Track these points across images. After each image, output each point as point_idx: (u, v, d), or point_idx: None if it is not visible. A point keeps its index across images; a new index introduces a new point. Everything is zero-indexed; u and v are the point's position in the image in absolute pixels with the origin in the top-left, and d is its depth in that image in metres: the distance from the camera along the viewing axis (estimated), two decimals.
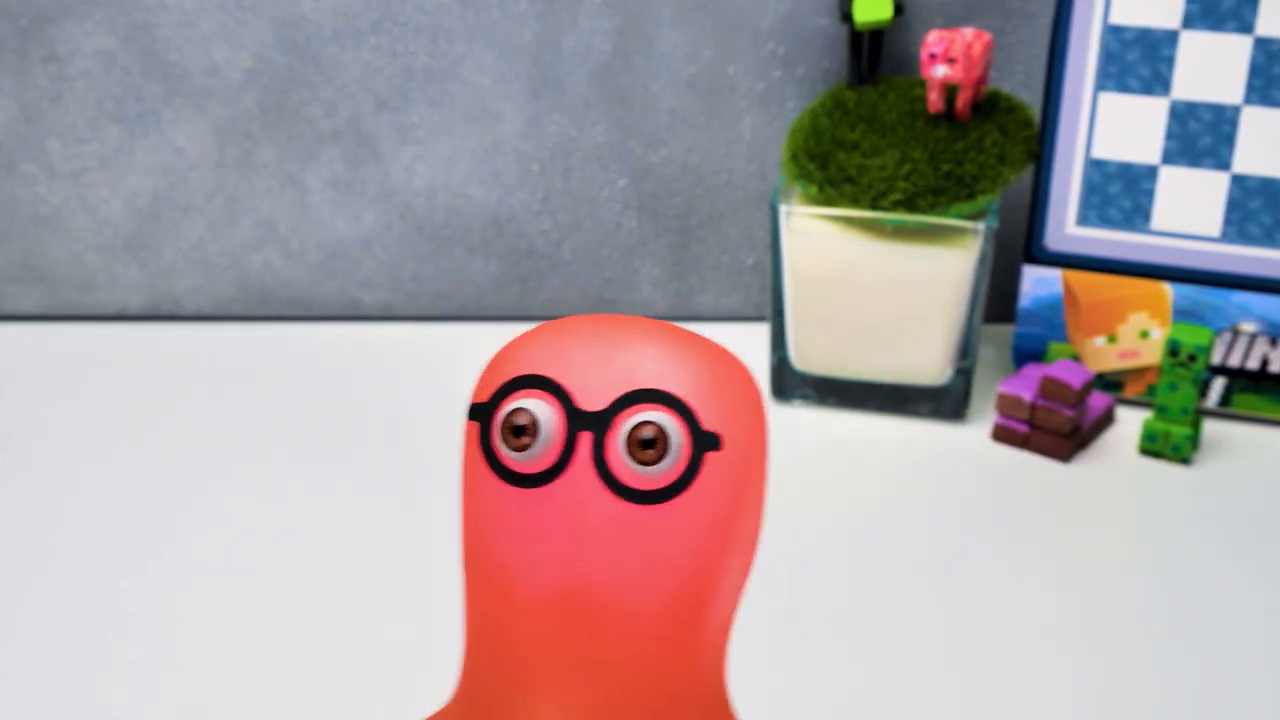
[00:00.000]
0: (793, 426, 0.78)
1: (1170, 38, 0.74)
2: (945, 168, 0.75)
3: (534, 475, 0.39)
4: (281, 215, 0.85)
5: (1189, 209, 0.76)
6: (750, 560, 0.41)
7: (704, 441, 0.38)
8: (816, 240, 0.76)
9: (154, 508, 0.70)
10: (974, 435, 0.78)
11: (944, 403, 0.78)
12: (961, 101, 0.76)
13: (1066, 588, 0.65)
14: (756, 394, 0.41)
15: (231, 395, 0.80)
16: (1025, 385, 0.76)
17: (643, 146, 0.84)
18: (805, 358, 0.79)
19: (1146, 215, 0.77)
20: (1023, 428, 0.76)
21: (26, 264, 0.85)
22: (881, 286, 0.76)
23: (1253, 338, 0.77)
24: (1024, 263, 0.79)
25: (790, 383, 0.80)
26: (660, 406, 0.38)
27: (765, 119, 0.84)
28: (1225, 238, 0.76)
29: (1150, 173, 0.76)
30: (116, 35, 0.80)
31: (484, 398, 0.39)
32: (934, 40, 0.74)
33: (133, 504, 0.70)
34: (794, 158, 0.77)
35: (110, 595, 0.64)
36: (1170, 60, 0.74)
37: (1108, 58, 0.75)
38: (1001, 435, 0.77)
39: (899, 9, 0.78)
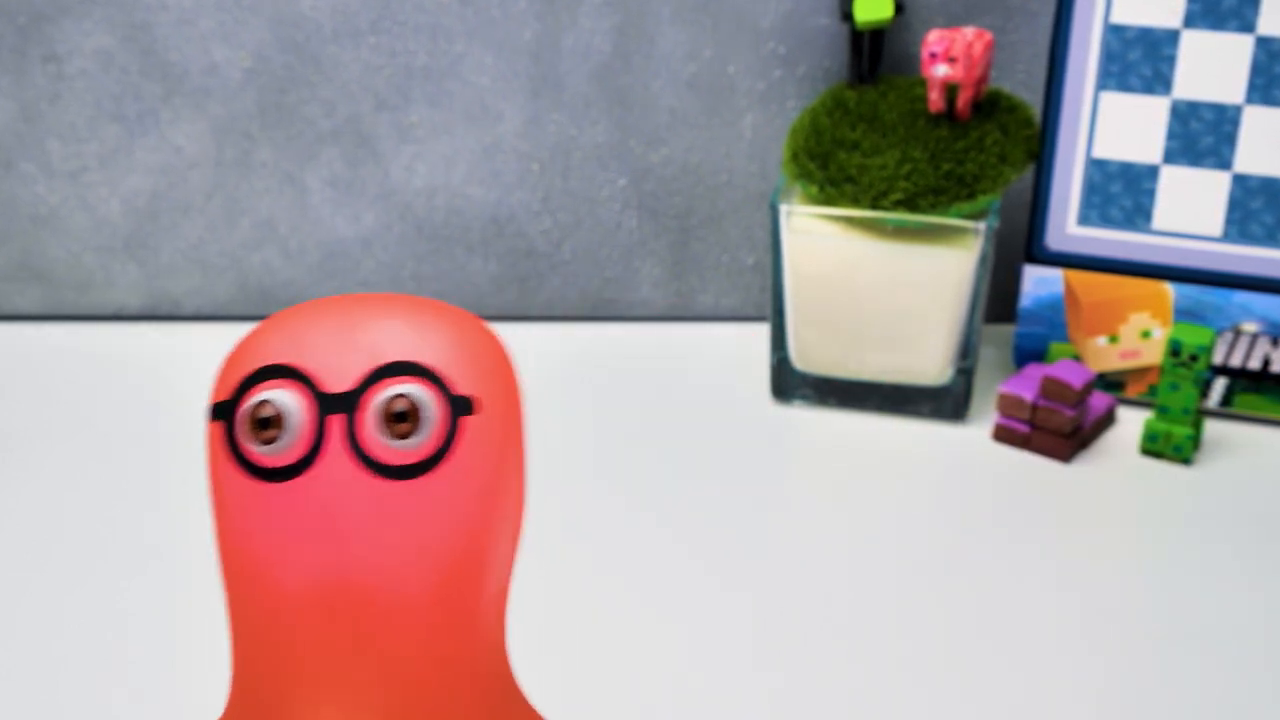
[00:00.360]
0: (793, 427, 0.78)
1: (1171, 37, 0.73)
2: (946, 167, 0.74)
3: (286, 468, 0.37)
4: (281, 215, 0.85)
5: (1190, 209, 0.76)
6: (519, 526, 0.40)
7: (459, 407, 0.37)
8: (817, 240, 0.75)
9: (153, 508, 0.70)
10: (975, 435, 0.77)
11: (945, 403, 0.78)
12: (962, 101, 0.76)
13: (1067, 588, 0.65)
14: (505, 355, 0.39)
15: None
16: (1026, 385, 0.76)
17: (643, 146, 0.84)
18: (806, 358, 0.79)
19: (1148, 215, 0.76)
20: (1024, 428, 0.75)
21: (25, 264, 0.85)
22: (882, 286, 0.76)
23: (1254, 338, 0.77)
24: (1025, 262, 0.79)
25: (790, 383, 0.80)
26: (410, 378, 0.37)
27: (766, 118, 0.84)
28: (1227, 237, 0.76)
29: (1151, 172, 0.76)
30: (115, 34, 0.80)
31: (225, 395, 0.38)
32: (935, 39, 0.74)
33: (131, 504, 0.70)
34: (794, 157, 0.77)
35: (109, 595, 0.63)
36: (1171, 59, 0.74)
37: (1109, 57, 0.75)
38: (1002, 435, 0.76)
39: (899, 8, 0.78)
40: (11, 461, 0.73)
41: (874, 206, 0.75)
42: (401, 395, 0.37)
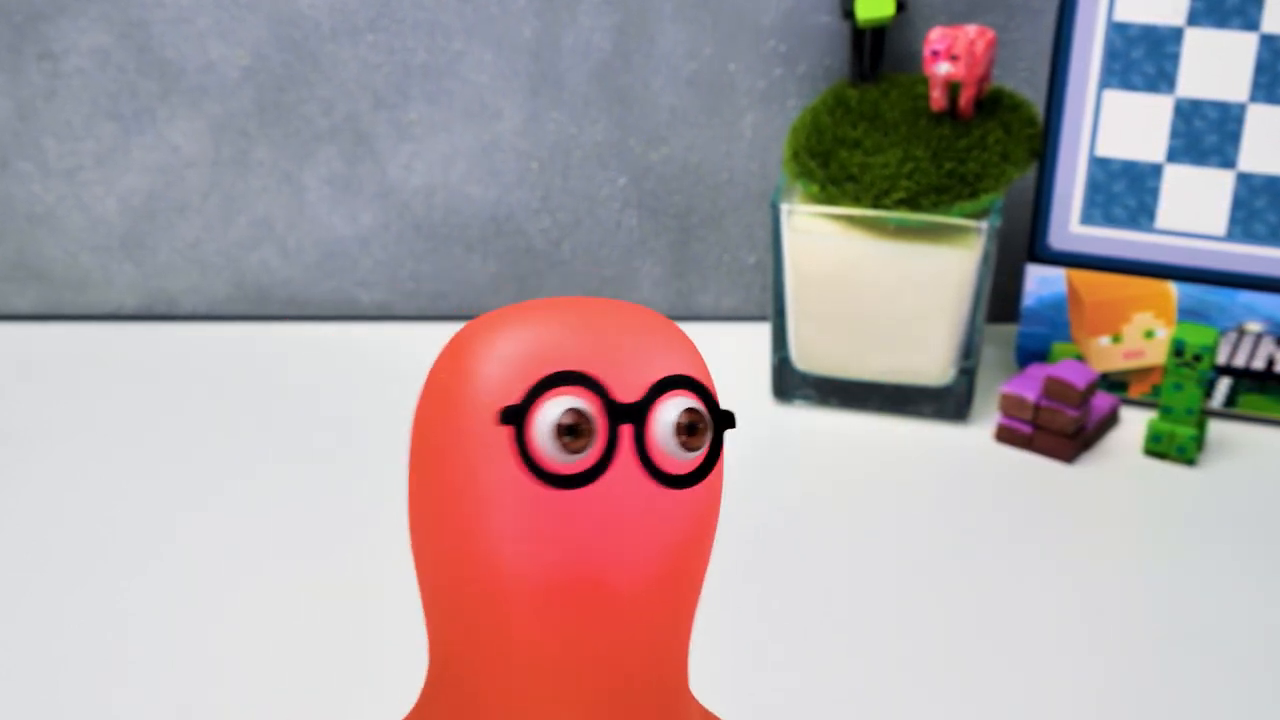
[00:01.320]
0: (794, 427, 0.78)
1: (1175, 35, 0.73)
2: (948, 166, 0.74)
3: (580, 475, 0.38)
4: (278, 214, 0.84)
5: (1194, 208, 0.76)
6: None
7: (723, 421, 0.39)
8: (818, 239, 0.75)
9: (151, 508, 0.69)
10: (977, 436, 0.77)
11: (947, 403, 0.78)
12: (964, 99, 0.75)
13: (1070, 589, 0.65)
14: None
15: (228, 396, 0.79)
16: (1029, 385, 0.75)
17: (643, 145, 0.84)
18: (807, 358, 0.79)
19: (1151, 214, 0.76)
20: (1026, 428, 0.75)
21: (21, 263, 0.84)
22: (884, 286, 0.75)
23: (1258, 337, 0.76)
24: (1028, 262, 0.78)
25: (791, 383, 0.79)
26: (687, 391, 0.38)
27: (766, 117, 0.84)
28: (1231, 236, 0.75)
29: (1155, 171, 0.75)
30: (112, 32, 0.80)
31: (516, 399, 0.38)
32: (937, 37, 0.74)
33: (130, 505, 0.70)
34: (795, 156, 0.77)
35: (108, 596, 0.63)
36: (1175, 57, 0.74)
37: (1112, 55, 0.74)
38: (1005, 436, 0.76)
39: (901, 6, 0.77)
40: (9, 462, 0.73)
41: (876, 205, 0.74)
42: (692, 409, 0.38)
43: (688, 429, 0.38)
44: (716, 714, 0.45)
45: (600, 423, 0.38)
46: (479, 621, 0.39)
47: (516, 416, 0.37)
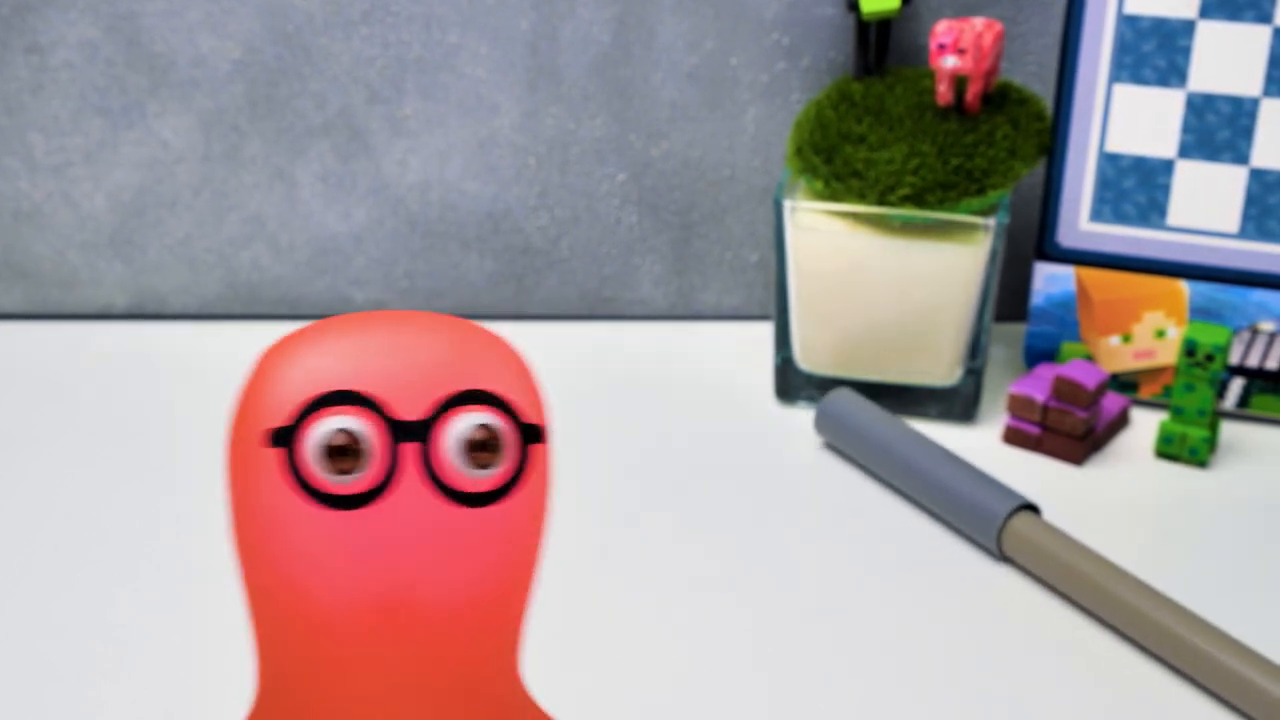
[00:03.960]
0: (797, 429, 0.77)
1: (1187, 28, 0.73)
2: (955, 162, 0.74)
3: (358, 495, 0.37)
4: (270, 210, 0.84)
5: (1206, 204, 0.75)
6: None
7: (530, 435, 0.39)
8: (822, 236, 0.75)
9: (141, 511, 0.69)
10: (984, 437, 0.76)
11: (953, 404, 0.77)
12: (971, 93, 0.75)
13: None
14: (534, 375, 0.41)
15: (219, 396, 0.78)
16: (1037, 386, 0.75)
17: (643, 140, 0.84)
18: (810, 358, 0.78)
19: (1162, 211, 0.76)
20: (1035, 430, 0.75)
21: (7, 261, 0.84)
22: (889, 284, 0.75)
23: (1272, 337, 0.76)
24: (1036, 260, 0.78)
25: (795, 384, 0.79)
26: (483, 406, 0.38)
27: (769, 112, 0.83)
28: (1244, 234, 0.75)
29: (1166, 167, 0.75)
30: (100, 25, 0.79)
31: (284, 420, 0.37)
32: (943, 30, 0.73)
33: (119, 507, 0.69)
34: (799, 151, 0.76)
35: (96, 598, 0.63)
36: (1187, 51, 0.73)
37: (1122, 48, 0.74)
38: (1013, 437, 0.75)
39: None
40: None
41: (881, 202, 0.74)
42: (484, 425, 0.38)
43: (480, 445, 0.37)
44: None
45: (378, 442, 0.37)
46: (295, 640, 0.39)
47: (285, 438, 0.37)
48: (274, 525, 0.38)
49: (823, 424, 0.74)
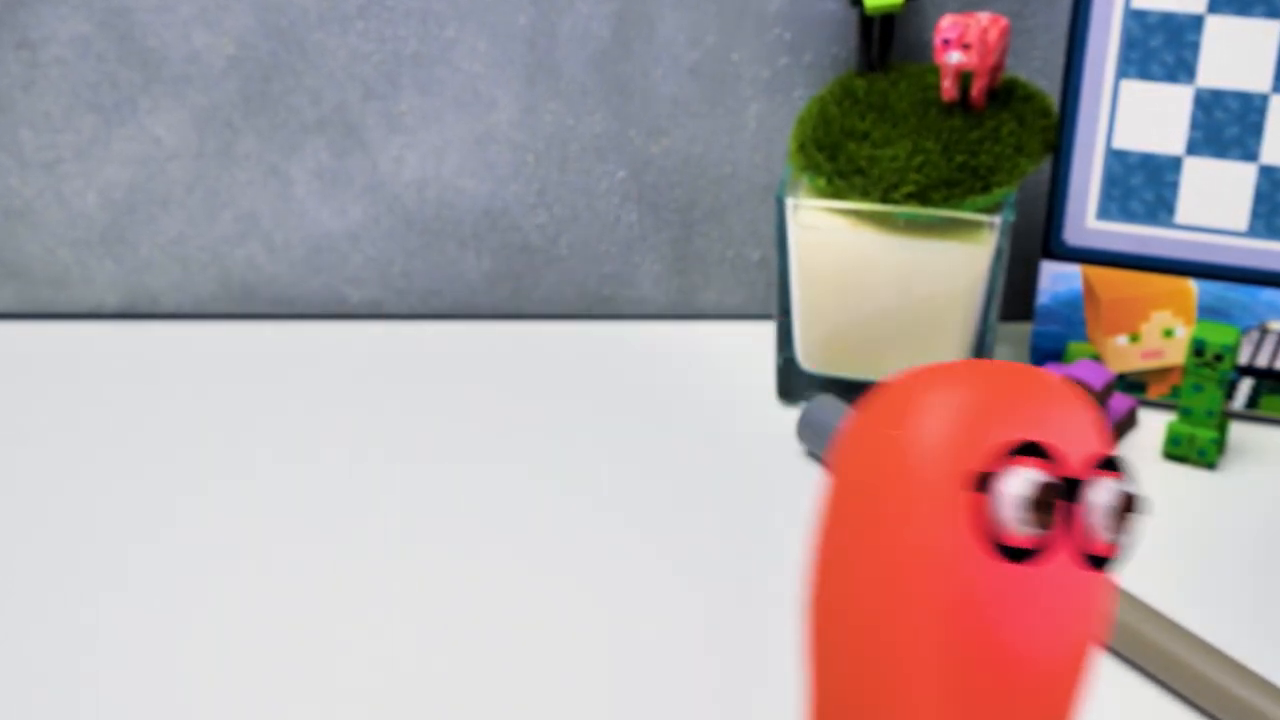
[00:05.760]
0: None
1: (1195, 23, 0.73)
2: (959, 159, 0.73)
3: (1027, 550, 0.37)
4: (264, 208, 0.83)
5: (1215, 202, 0.74)
6: None
7: (1141, 505, 0.39)
8: (825, 235, 0.74)
9: (133, 512, 0.69)
10: None
11: None
12: (977, 89, 0.74)
13: None
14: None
15: (212, 396, 0.79)
16: None
17: (643, 137, 0.83)
18: (813, 357, 0.78)
19: (1170, 208, 0.75)
20: None
21: None
22: (893, 283, 0.75)
23: None
24: (1042, 258, 0.77)
25: (797, 384, 0.78)
26: (1118, 473, 0.38)
27: (771, 108, 0.83)
28: (1252, 232, 0.74)
29: (1174, 164, 0.75)
30: (92, 20, 0.79)
31: (988, 466, 0.37)
32: (948, 25, 0.73)
33: (111, 508, 0.69)
34: (801, 148, 0.76)
35: (90, 597, 0.62)
36: (1195, 46, 0.73)
37: (1130, 44, 0.74)
38: None
39: None
40: None
41: (884, 200, 0.74)
42: (1126, 491, 0.38)
43: (1123, 511, 0.38)
44: None
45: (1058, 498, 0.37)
46: (880, 683, 0.39)
47: (985, 484, 0.37)
48: (944, 571, 0.38)
49: (805, 433, 0.73)
